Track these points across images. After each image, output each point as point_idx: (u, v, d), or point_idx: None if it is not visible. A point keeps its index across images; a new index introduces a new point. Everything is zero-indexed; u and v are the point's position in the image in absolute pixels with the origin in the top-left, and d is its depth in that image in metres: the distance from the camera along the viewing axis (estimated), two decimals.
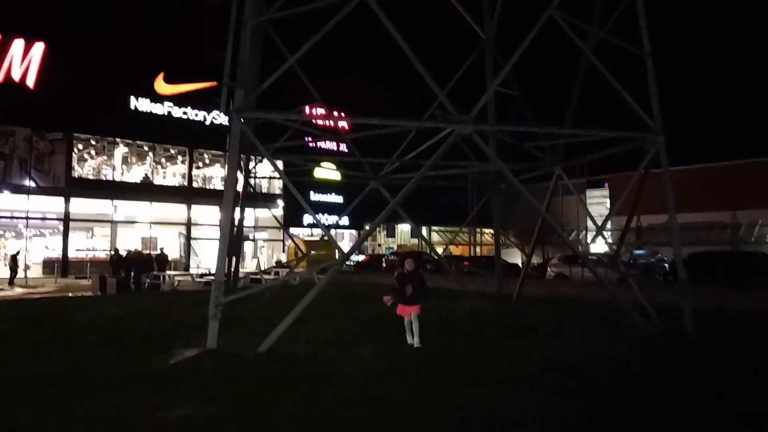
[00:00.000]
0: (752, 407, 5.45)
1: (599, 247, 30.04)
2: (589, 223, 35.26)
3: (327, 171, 33.47)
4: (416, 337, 8.43)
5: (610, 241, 21.57)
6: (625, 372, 7.08)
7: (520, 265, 25.80)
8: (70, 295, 19.62)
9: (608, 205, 42.63)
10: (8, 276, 24.97)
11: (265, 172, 32.53)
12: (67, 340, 9.39)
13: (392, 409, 5.09)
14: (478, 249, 45.66)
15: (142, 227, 34.45)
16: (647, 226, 34.97)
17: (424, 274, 9.15)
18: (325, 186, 38.81)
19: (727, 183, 36.67)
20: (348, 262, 36.22)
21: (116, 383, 6.33)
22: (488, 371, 6.93)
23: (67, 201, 30.82)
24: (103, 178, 33.58)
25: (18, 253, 26.75)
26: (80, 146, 33.18)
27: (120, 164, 34.50)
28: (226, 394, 5.87)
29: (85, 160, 34.13)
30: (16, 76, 28.98)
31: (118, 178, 33.88)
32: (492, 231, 26.60)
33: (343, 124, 36.45)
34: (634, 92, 10.42)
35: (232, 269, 14.60)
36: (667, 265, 23.87)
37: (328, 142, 38.31)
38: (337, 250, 9.08)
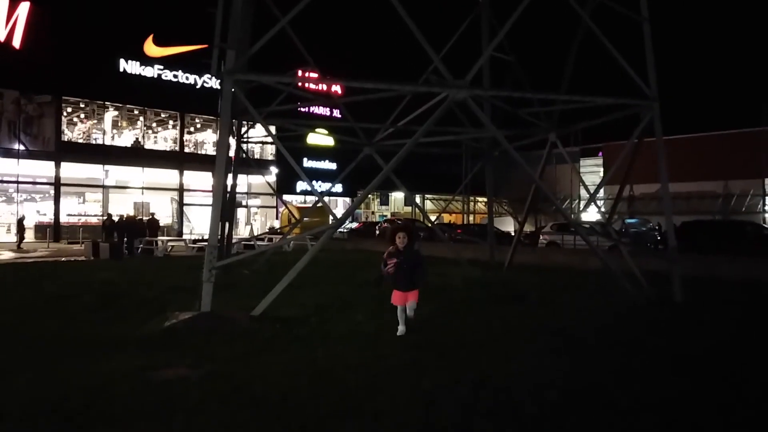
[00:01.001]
0: (733, 369, 5.57)
1: (591, 215, 30.23)
2: (583, 192, 35.41)
3: (320, 137, 33.33)
4: (410, 313, 6.88)
5: (602, 209, 21.69)
6: (613, 336, 7.20)
7: (513, 233, 25.93)
8: (63, 259, 19.59)
9: (602, 174, 42.74)
10: (16, 240, 25.61)
11: (257, 140, 32.33)
12: (61, 302, 9.42)
13: (385, 370, 5.16)
14: (471, 217, 45.81)
15: (134, 192, 34.28)
16: (640, 195, 35.17)
17: (420, 252, 7.08)
18: (319, 152, 38.60)
19: (719, 152, 36.77)
20: (342, 230, 36.35)
21: (112, 344, 6.37)
22: (479, 336, 7.03)
23: (57, 165, 30.52)
24: (94, 143, 33.21)
25: (23, 218, 27.08)
26: (69, 109, 32.71)
27: (110, 128, 34.08)
28: (220, 356, 5.92)
29: (75, 124, 33.70)
30: (1, 36, 28.32)
31: (108, 143, 33.51)
32: (485, 199, 26.63)
33: (336, 89, 36.14)
34: (630, 59, 10.33)
35: (225, 235, 14.61)
36: (658, 233, 24.05)
37: (321, 108, 37.91)
38: (330, 216, 9.08)
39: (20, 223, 26.24)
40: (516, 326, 7.69)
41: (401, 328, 6.78)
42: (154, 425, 3.96)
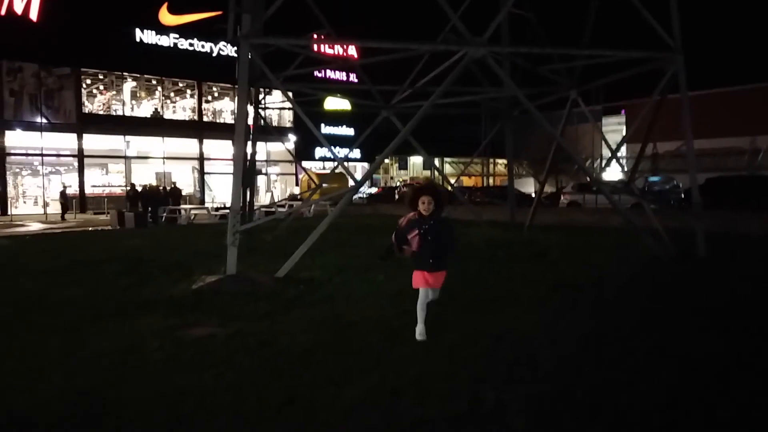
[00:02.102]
0: (754, 322, 5.57)
1: (613, 174, 29.82)
2: (605, 152, 34.87)
3: (337, 102, 33.11)
4: (421, 325, 5.00)
5: (624, 167, 21.33)
6: (634, 290, 7.24)
7: (533, 194, 25.76)
8: (90, 229, 20.04)
9: (624, 133, 41.94)
10: (59, 211, 26.75)
11: (275, 107, 32.27)
12: (90, 268, 9.69)
13: (407, 324, 5.26)
14: (490, 180, 45.50)
15: (155, 162, 34.67)
16: (663, 153, 34.50)
17: (450, 220, 5.29)
18: (336, 118, 38.46)
19: (746, 107, 35.73)
20: (361, 195, 36.43)
21: (141, 306, 6.58)
22: (500, 292, 7.10)
23: (79, 137, 30.94)
24: (114, 114, 33.51)
25: (65, 188, 28.00)
26: (88, 81, 32.93)
27: (129, 99, 34.31)
28: (247, 315, 6.10)
29: (95, 96, 33.97)
30: (18, 8, 28.42)
31: (128, 114, 33.79)
32: (505, 161, 26.40)
33: (352, 52, 35.53)
34: (653, 10, 10.03)
35: (247, 201, 14.78)
36: (681, 191, 23.69)
37: (337, 72, 37.60)
38: (349, 181, 9.13)
39: (63, 194, 27.29)
40: (537, 282, 7.74)
41: (420, 329, 4.95)
42: (188, 377, 4.13)
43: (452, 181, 18.90)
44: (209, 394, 3.81)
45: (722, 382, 3.92)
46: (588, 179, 23.57)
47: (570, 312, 6.05)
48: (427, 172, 49.18)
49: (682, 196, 22.62)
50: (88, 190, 31.53)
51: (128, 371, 4.30)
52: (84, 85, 32.34)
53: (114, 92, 33.95)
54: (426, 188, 5.00)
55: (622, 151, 33.99)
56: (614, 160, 12.42)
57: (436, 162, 44.59)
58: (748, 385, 3.86)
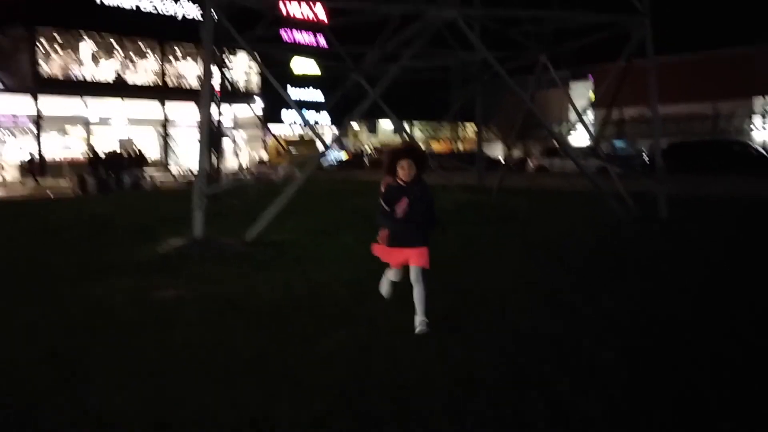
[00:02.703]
0: (705, 275, 5.79)
1: (580, 139, 30.20)
2: (573, 117, 35.18)
3: (306, 66, 32.46)
4: (422, 321, 4.12)
5: (591, 132, 21.62)
6: (597, 248, 7.49)
7: (502, 159, 25.94)
8: (51, 195, 19.48)
9: (592, 98, 42.32)
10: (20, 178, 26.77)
11: (241, 70, 31.54)
12: (54, 234, 9.47)
13: (376, 284, 5.31)
14: (459, 144, 45.62)
15: (118, 127, 33.63)
16: (629, 119, 35.02)
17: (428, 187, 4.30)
18: (305, 82, 37.80)
19: (708, 73, 36.35)
20: (332, 161, 36.16)
21: (107, 270, 6.47)
22: (468, 252, 7.21)
23: (36, 100, 29.73)
24: (72, 76, 32.24)
25: (33, 156, 27.89)
26: (44, 42, 31.49)
27: (88, 61, 33.00)
28: (215, 277, 6.06)
29: (51, 57, 32.55)
30: None
31: (87, 76, 32.54)
32: (474, 126, 26.45)
33: (322, 17, 34.68)
34: None
35: (214, 166, 14.52)
36: (646, 156, 24.18)
37: (306, 34, 36.76)
38: (319, 145, 9.04)
39: (32, 161, 27.12)
40: (505, 242, 7.88)
41: (419, 319, 4.11)
42: (157, 336, 4.11)
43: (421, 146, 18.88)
44: (179, 352, 3.80)
45: (675, 331, 4.09)
46: (556, 144, 23.84)
47: (536, 269, 6.20)
48: (397, 137, 49.02)
49: (647, 160, 23.11)
50: (47, 156, 30.46)
51: (96, 333, 4.25)
52: (39, 46, 30.91)
53: (72, 53, 32.58)
54: (404, 151, 4.20)
55: (590, 116, 34.33)
56: (581, 125, 12.56)
57: (406, 126, 44.35)
58: (698, 333, 4.03)
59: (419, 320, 4.10)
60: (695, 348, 3.77)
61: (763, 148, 25.02)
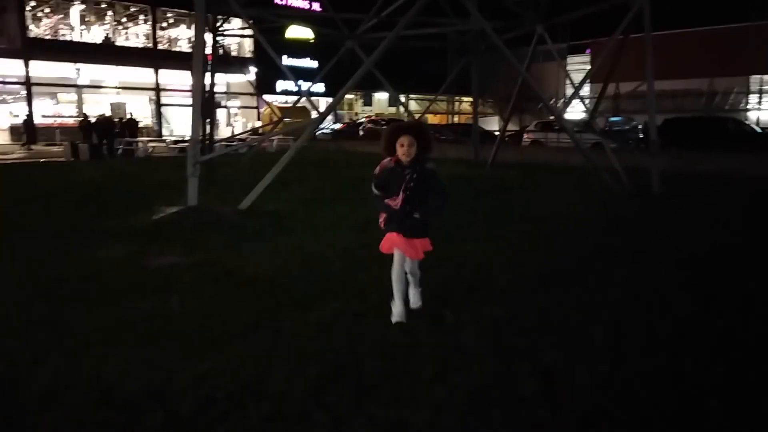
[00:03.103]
0: (697, 249, 5.86)
1: (576, 114, 30.12)
2: (569, 91, 35.02)
3: (300, 32, 31.94)
4: (415, 293, 4.02)
5: (587, 106, 21.56)
6: (590, 221, 7.56)
7: (497, 133, 25.85)
8: (42, 160, 19.29)
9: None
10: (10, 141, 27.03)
11: (234, 39, 30.97)
12: (46, 200, 9.41)
13: (369, 254, 5.34)
14: (455, 117, 45.35)
15: (109, 92, 33.18)
16: (624, 94, 34.87)
17: (437, 172, 3.80)
18: (299, 49, 37.19)
19: (705, 49, 36.13)
20: (326, 131, 35.88)
21: (100, 236, 6.46)
22: (461, 225, 7.23)
23: (26, 64, 29.20)
24: (62, 39, 31.63)
25: (28, 117, 28.01)
26: (33, 3, 30.80)
27: (78, 23, 32.35)
28: (209, 245, 6.07)
29: (41, 19, 31.88)
30: None
31: (77, 39, 31.94)
32: (470, 99, 26.26)
33: None
34: None
35: (207, 133, 14.40)
36: (640, 131, 24.16)
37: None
38: (313, 113, 8.96)
39: (26, 122, 27.29)
40: (498, 215, 7.92)
41: (398, 308, 3.81)
42: (151, 303, 4.13)
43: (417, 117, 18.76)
44: (174, 319, 3.83)
45: (664, 304, 4.16)
46: (552, 117, 23.76)
47: (528, 241, 6.26)
48: (393, 109, 48.61)
49: (641, 136, 23.08)
50: (38, 120, 30.07)
51: (90, 299, 4.26)
52: (28, 7, 30.24)
53: (61, 15, 31.89)
54: (406, 127, 3.75)
55: (586, 91, 34.14)
56: (577, 99, 12.50)
57: (402, 98, 44.04)
58: (685, 307, 4.10)
59: (413, 292, 3.99)
60: (686, 323, 3.84)
61: (758, 126, 25.08)
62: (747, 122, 27.00)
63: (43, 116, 30.83)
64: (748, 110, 35.99)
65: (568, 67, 40.62)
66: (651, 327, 3.73)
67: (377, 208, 3.83)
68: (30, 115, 29.13)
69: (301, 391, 2.84)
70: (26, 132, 26.61)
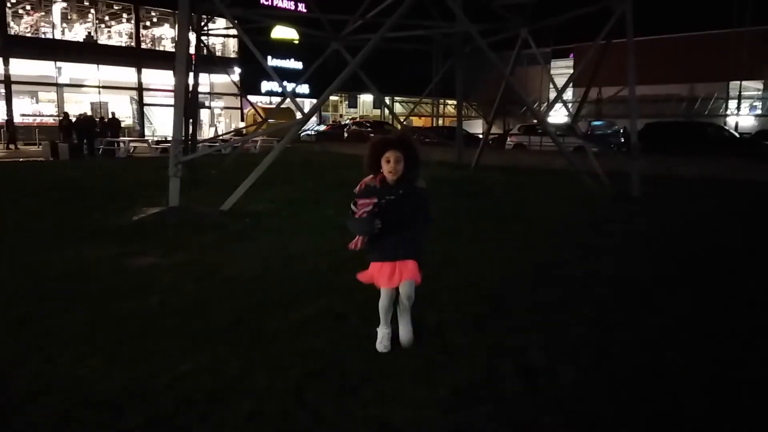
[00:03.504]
0: (677, 249, 5.95)
1: (558, 118, 30.40)
2: (552, 95, 35.30)
3: (285, 32, 31.87)
4: (405, 327, 3.41)
5: (570, 110, 21.81)
6: (569, 221, 7.69)
7: (482, 135, 26.00)
8: (21, 160, 19.00)
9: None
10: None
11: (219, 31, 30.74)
12: (25, 199, 9.28)
13: (354, 257, 5.33)
14: (440, 120, 45.50)
15: (91, 92, 32.78)
16: (607, 98, 35.29)
17: (425, 190, 3.34)
18: (284, 50, 37.14)
19: (686, 55, 36.72)
20: (310, 132, 35.79)
21: (81, 236, 6.38)
22: (444, 225, 7.25)
23: (6, 62, 28.76)
24: (43, 37, 31.19)
25: (9, 118, 27.76)
26: (14, 0, 30.36)
27: (59, 21, 31.93)
28: (191, 245, 6.02)
29: (21, 17, 31.42)
30: None
31: (59, 37, 31.52)
32: (454, 102, 26.40)
33: None
34: None
35: (190, 134, 14.28)
36: (622, 136, 24.45)
37: (285, 0, 36.12)
38: (297, 115, 8.93)
39: (10, 122, 27.06)
40: (481, 216, 7.97)
41: (383, 332, 3.40)
42: (132, 303, 4.08)
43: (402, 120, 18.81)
44: (155, 318, 3.79)
45: (647, 302, 4.21)
46: (535, 121, 23.95)
47: (512, 242, 6.30)
48: (377, 111, 48.64)
49: (622, 140, 23.36)
50: (17, 119, 29.59)
51: (70, 298, 4.20)
52: (9, 4, 29.79)
53: (42, 13, 31.45)
54: (393, 140, 3.21)
55: (569, 95, 34.53)
56: (560, 103, 12.63)
57: (387, 101, 44.13)
58: (669, 305, 4.15)
59: (405, 329, 3.38)
60: (666, 315, 3.89)
61: (737, 131, 25.49)
62: (726, 128, 27.46)
63: (22, 115, 30.38)
64: (727, 116, 36.61)
65: (552, 71, 41.02)
66: (635, 324, 3.77)
67: (354, 230, 3.22)
68: (10, 115, 28.69)
69: (282, 390, 2.83)
70: (9, 131, 26.29)
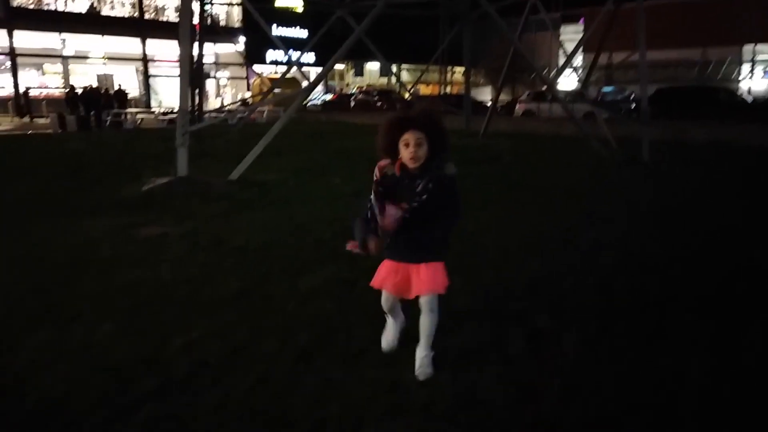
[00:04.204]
0: (685, 215, 5.92)
1: (568, 84, 29.95)
2: (561, 61, 34.69)
3: (289, 0, 31.35)
4: (423, 353, 2.75)
5: (579, 76, 21.46)
6: (579, 187, 7.63)
7: (489, 103, 25.72)
8: (30, 132, 19.04)
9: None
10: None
11: (222, 8, 30.37)
12: (34, 170, 9.35)
13: None
14: (447, 88, 44.91)
15: (96, 63, 32.60)
16: (618, 63, 34.66)
17: (454, 176, 2.62)
18: (288, 18, 36.64)
19: (699, 19, 35.84)
20: (316, 102, 35.55)
21: (90, 207, 6.43)
22: None
23: (9, 34, 28.58)
24: (46, 9, 30.89)
25: (27, 89, 27.95)
26: None
27: None
28: (200, 215, 6.05)
29: None
30: None
31: (61, 9, 31.22)
32: (462, 69, 26.04)
33: None
34: None
35: (196, 103, 14.24)
36: (633, 101, 24.11)
37: None
38: (303, 83, 8.86)
39: (26, 94, 27.47)
40: (489, 183, 7.93)
41: (388, 326, 3.00)
42: (141, 272, 4.14)
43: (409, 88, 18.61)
44: (164, 287, 3.84)
45: (652, 268, 4.21)
46: (544, 87, 23.64)
47: (519, 210, 6.28)
48: (384, 80, 48.11)
49: (633, 106, 23.04)
50: (23, 92, 29.55)
51: (81, 268, 4.26)
52: None
53: None
54: (413, 118, 2.52)
55: (579, 61, 33.88)
56: (570, 69, 12.43)
57: (393, 68, 43.63)
58: (673, 270, 4.15)
59: (422, 355, 2.74)
60: (673, 285, 3.89)
61: (749, 95, 25.08)
62: (739, 92, 27.00)
63: (29, 88, 30.29)
64: (740, 80, 35.90)
65: (561, 37, 40.24)
66: (642, 291, 3.78)
67: (357, 230, 2.62)
68: (18, 86, 28.75)
69: (291, 355, 2.87)
70: (25, 103, 26.65)
